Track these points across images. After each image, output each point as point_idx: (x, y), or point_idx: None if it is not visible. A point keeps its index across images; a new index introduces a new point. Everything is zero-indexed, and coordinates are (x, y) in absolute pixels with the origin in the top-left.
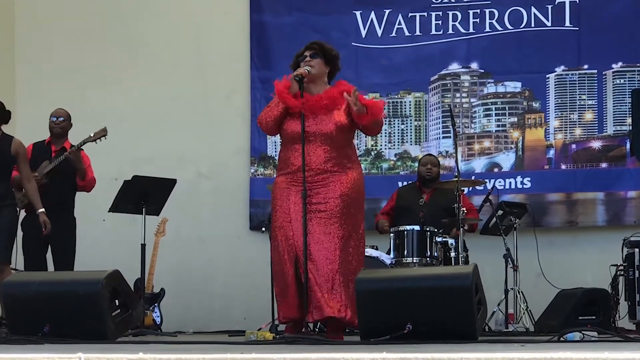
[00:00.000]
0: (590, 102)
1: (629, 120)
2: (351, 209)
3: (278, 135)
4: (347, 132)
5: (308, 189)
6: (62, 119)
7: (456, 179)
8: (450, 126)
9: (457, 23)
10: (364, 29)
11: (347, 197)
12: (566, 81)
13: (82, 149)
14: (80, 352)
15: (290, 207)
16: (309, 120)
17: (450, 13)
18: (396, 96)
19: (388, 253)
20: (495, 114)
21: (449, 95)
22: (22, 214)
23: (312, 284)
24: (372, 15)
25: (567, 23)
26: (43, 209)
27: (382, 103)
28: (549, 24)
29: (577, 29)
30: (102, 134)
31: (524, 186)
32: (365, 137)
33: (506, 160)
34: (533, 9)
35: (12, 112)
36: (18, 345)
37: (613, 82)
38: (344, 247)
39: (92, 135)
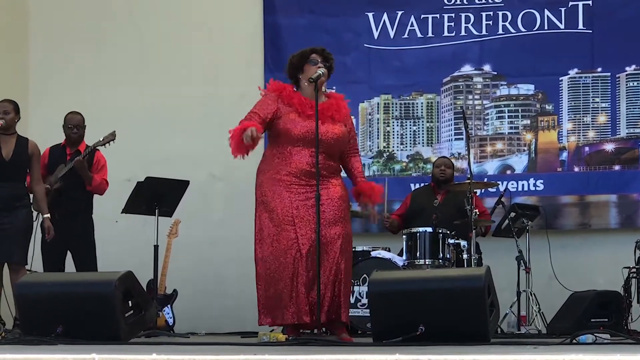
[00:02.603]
0: (603, 104)
1: None
2: (347, 212)
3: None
4: (341, 146)
5: (308, 192)
6: (77, 125)
7: (468, 181)
8: (463, 128)
9: (469, 25)
10: (377, 30)
11: (344, 200)
12: (579, 84)
13: (99, 150)
14: (94, 353)
15: (292, 208)
16: (312, 125)
17: (463, 15)
18: (408, 97)
19: (400, 255)
20: (508, 116)
21: (461, 97)
22: (40, 217)
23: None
24: (385, 16)
25: (581, 26)
26: (48, 215)
27: (381, 190)
28: (562, 26)
29: (591, 31)
30: (111, 138)
31: (537, 188)
32: (378, 138)
33: (519, 162)
34: (546, 12)
35: (25, 114)
36: (31, 346)
37: (626, 84)
38: (346, 248)
39: (101, 139)
